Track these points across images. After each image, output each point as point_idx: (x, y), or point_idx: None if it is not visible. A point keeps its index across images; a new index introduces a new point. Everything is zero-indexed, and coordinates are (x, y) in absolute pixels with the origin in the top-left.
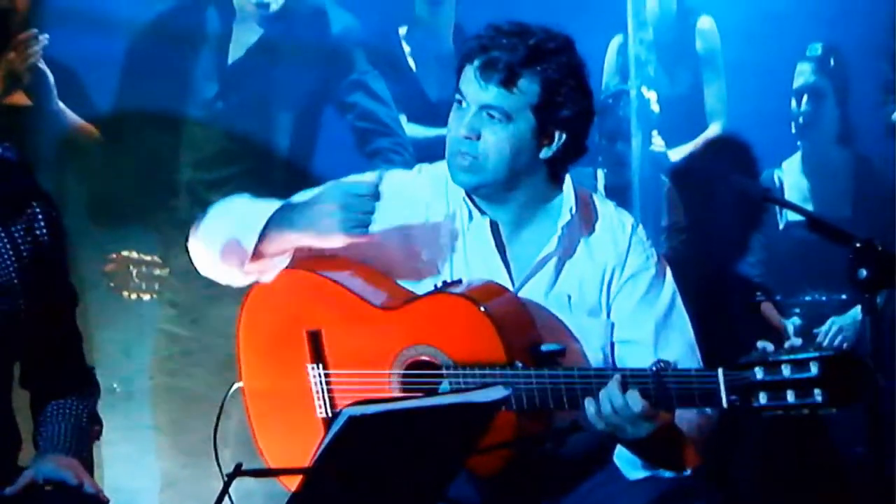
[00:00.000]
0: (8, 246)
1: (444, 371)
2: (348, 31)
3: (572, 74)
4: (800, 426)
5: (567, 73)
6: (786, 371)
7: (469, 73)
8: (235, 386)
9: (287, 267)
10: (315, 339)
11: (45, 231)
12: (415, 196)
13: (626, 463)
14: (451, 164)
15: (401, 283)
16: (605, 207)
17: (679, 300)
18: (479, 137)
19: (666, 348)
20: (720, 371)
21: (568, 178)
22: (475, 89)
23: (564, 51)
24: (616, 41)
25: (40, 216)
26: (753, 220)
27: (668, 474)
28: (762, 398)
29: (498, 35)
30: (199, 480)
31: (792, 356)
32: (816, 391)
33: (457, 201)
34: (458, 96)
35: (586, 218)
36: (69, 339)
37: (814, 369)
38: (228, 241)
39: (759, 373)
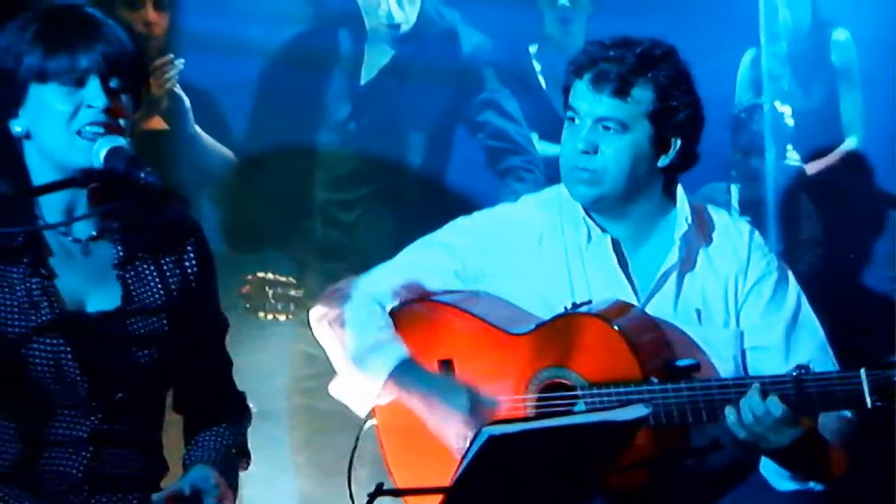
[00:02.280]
0: (155, 274)
1: (579, 392)
2: (479, 51)
3: (682, 79)
4: None
5: (677, 77)
6: None
7: (580, 87)
8: (368, 424)
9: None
10: (447, 368)
11: (195, 264)
12: (526, 226)
13: (774, 473)
14: (569, 180)
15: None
16: (721, 217)
17: (805, 302)
18: (596, 151)
19: (798, 351)
20: (863, 371)
21: (680, 188)
22: (588, 103)
23: (671, 56)
24: (749, 55)
25: (191, 252)
26: (892, 235)
27: (818, 487)
28: None
29: (604, 48)
30: (337, 499)
31: None
32: None
33: (572, 223)
34: (569, 114)
35: (702, 228)
36: (219, 366)
37: None
38: (347, 356)
39: None
